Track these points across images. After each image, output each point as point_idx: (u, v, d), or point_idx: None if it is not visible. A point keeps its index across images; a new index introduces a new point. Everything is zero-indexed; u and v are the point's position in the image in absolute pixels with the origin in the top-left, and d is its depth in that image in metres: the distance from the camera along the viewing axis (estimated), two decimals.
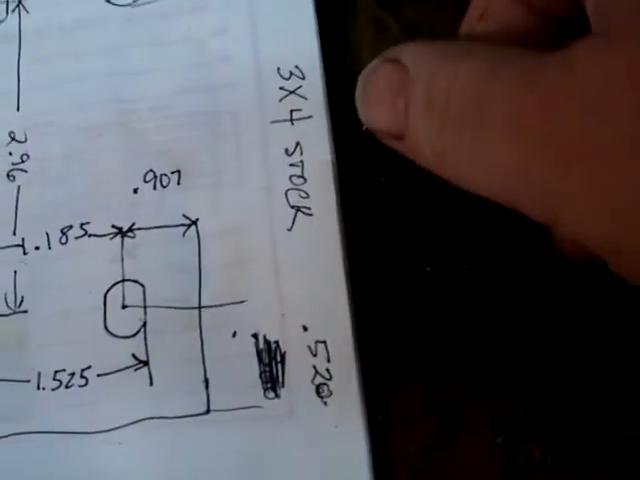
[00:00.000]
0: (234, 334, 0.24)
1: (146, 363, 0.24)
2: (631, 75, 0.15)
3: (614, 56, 0.15)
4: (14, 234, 0.25)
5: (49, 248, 0.25)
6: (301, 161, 0.25)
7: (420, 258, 0.25)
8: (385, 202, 0.25)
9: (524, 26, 0.18)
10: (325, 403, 0.23)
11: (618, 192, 0.15)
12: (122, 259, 0.25)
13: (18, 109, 0.27)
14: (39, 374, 0.24)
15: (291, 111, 0.25)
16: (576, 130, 0.15)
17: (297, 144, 0.25)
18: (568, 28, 0.19)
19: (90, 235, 0.25)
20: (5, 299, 0.25)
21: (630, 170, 0.15)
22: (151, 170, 0.25)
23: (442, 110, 0.17)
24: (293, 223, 0.24)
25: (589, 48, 0.16)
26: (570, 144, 0.15)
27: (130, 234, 0.25)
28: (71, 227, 0.25)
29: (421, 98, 0.18)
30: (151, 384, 0.24)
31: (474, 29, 0.21)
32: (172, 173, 0.25)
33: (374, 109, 0.20)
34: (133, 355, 0.24)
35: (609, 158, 0.15)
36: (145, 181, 0.25)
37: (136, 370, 0.24)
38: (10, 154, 0.26)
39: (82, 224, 0.25)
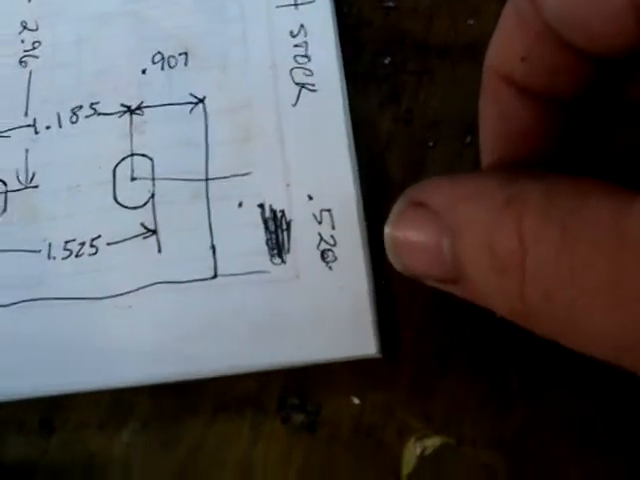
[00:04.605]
0: (240, 204, 0.24)
1: (155, 232, 0.24)
2: None
3: None
4: (26, 115, 0.26)
5: (60, 127, 0.26)
6: (305, 42, 0.25)
7: (423, 133, 0.25)
8: (387, 80, 0.26)
9: (569, 72, 0.16)
10: (330, 268, 0.23)
11: None
12: (131, 135, 0.25)
13: (29, 0, 0.27)
14: (50, 245, 0.24)
15: None
16: None
17: (301, 26, 0.26)
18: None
19: (100, 114, 0.26)
20: (17, 175, 0.25)
21: None
22: (159, 52, 0.26)
23: (515, 272, 0.15)
24: (298, 99, 0.25)
25: None
26: None
27: (138, 112, 0.25)
28: (81, 107, 0.26)
29: (480, 256, 0.16)
30: (159, 251, 0.24)
31: (514, 70, 0.18)
32: (180, 55, 0.26)
33: (413, 258, 0.18)
34: (142, 224, 0.24)
35: None
36: (153, 62, 0.26)
37: (145, 238, 0.24)
38: (22, 42, 0.27)
39: (92, 104, 0.26)
